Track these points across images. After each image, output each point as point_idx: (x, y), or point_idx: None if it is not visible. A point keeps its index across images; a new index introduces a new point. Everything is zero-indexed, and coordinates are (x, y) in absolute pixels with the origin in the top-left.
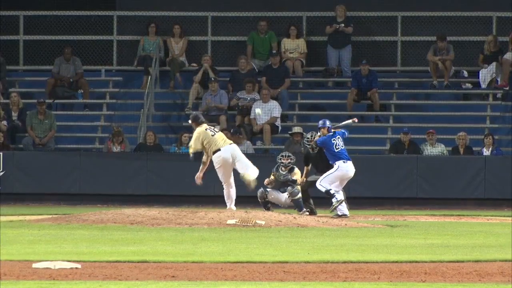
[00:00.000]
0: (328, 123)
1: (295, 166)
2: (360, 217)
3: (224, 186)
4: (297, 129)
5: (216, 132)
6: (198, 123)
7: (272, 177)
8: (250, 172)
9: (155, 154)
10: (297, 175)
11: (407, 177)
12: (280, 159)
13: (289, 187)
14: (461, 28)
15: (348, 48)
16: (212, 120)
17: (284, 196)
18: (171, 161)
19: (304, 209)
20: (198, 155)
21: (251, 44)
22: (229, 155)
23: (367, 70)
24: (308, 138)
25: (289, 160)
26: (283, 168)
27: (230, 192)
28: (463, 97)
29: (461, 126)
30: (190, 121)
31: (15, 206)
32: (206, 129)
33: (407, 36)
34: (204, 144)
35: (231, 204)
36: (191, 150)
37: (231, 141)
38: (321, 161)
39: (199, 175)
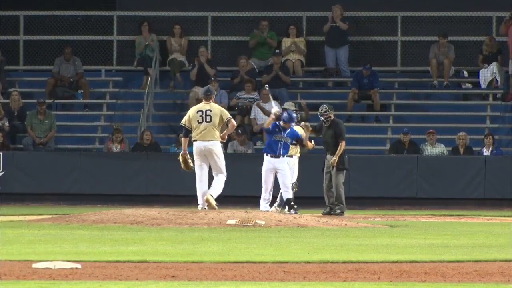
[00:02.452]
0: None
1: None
2: (360, 217)
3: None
4: (289, 104)
5: (207, 122)
6: (204, 97)
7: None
8: (211, 191)
9: (155, 154)
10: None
11: (407, 177)
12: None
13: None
14: (461, 28)
15: (345, 48)
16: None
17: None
18: (171, 161)
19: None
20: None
21: (254, 39)
22: (198, 152)
23: (369, 71)
24: (319, 112)
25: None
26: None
27: (202, 186)
28: (463, 97)
29: (461, 126)
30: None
31: (15, 206)
32: (197, 111)
33: (407, 36)
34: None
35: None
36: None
37: (210, 138)
38: (331, 139)
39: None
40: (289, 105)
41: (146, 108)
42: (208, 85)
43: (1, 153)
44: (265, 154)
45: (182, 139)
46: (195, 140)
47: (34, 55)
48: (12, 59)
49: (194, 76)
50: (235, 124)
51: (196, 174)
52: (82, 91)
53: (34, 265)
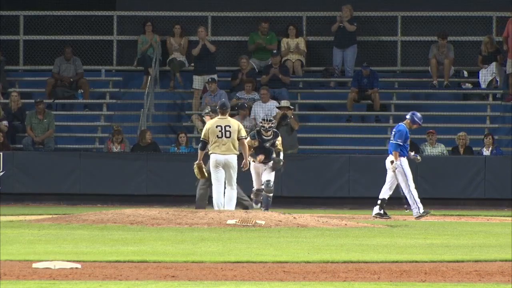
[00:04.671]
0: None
1: (278, 132)
2: (360, 217)
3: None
4: (284, 102)
5: (227, 137)
6: (221, 111)
7: (252, 144)
8: (229, 206)
9: (155, 154)
10: (280, 144)
11: None
12: (261, 123)
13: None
14: (461, 28)
15: (353, 48)
16: None
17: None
18: (171, 161)
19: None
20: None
21: (252, 44)
22: (217, 165)
23: (368, 70)
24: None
25: (270, 124)
26: (264, 133)
27: (219, 197)
28: (463, 97)
29: (461, 126)
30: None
31: (15, 206)
32: (216, 126)
33: (407, 36)
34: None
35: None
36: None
37: (229, 152)
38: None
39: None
40: (284, 103)
41: (146, 108)
42: (224, 100)
43: (1, 153)
44: (403, 158)
45: (199, 151)
46: (213, 153)
47: (34, 55)
48: (12, 59)
49: (196, 52)
50: (247, 146)
51: (213, 186)
52: (82, 91)
53: (34, 265)
